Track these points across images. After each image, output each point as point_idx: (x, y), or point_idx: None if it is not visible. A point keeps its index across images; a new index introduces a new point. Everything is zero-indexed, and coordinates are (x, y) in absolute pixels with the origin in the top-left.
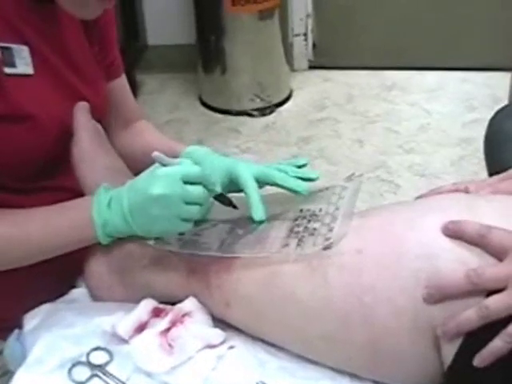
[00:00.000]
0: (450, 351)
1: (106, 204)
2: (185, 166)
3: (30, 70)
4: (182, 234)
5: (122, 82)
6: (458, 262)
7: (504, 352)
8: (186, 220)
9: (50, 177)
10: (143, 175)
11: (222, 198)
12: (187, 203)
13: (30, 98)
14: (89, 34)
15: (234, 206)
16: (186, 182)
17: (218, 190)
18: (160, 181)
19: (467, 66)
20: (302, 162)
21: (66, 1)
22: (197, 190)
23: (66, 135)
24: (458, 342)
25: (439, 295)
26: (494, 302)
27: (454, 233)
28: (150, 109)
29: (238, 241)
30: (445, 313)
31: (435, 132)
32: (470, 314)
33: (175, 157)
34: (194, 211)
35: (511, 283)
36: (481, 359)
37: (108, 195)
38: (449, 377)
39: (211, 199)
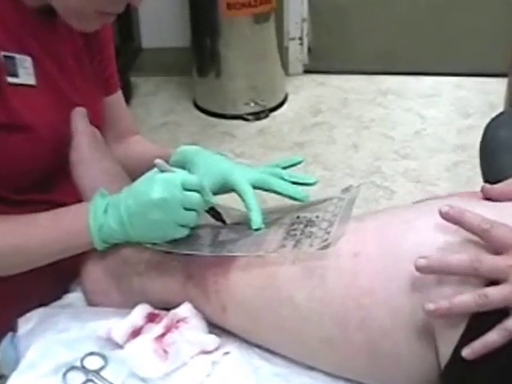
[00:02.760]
0: (446, 351)
1: (103, 210)
2: (183, 173)
3: (32, 81)
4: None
5: (118, 97)
6: None
7: (497, 346)
8: (183, 226)
9: (46, 190)
10: (141, 181)
11: (213, 212)
12: (185, 209)
13: (30, 109)
14: (88, 49)
15: (224, 222)
16: (184, 189)
17: (213, 201)
18: (160, 185)
19: (463, 72)
20: (297, 160)
21: (67, 14)
22: (195, 196)
23: (63, 147)
24: (454, 343)
25: (437, 267)
26: (494, 291)
27: (454, 219)
28: (144, 112)
29: (235, 243)
30: None
31: (430, 138)
32: (466, 297)
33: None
34: (192, 217)
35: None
36: (472, 350)
37: (105, 201)
38: (445, 377)
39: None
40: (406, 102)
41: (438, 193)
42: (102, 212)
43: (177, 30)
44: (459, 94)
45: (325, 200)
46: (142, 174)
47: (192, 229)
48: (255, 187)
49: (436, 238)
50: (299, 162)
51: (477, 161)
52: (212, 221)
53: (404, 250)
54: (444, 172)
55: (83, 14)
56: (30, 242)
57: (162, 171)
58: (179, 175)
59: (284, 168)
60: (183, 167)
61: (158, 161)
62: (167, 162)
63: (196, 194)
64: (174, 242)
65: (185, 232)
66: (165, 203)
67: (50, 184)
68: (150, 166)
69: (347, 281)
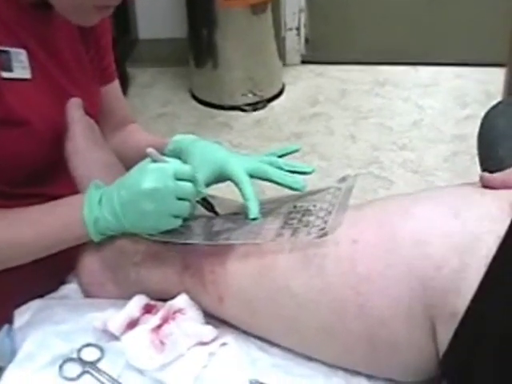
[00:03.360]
0: (444, 339)
1: (97, 201)
2: (176, 163)
3: (27, 74)
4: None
5: (115, 86)
6: (450, 249)
7: None
8: (176, 216)
9: (44, 184)
10: (133, 171)
11: (205, 203)
12: (178, 199)
13: (25, 103)
14: (85, 39)
15: (216, 213)
16: (176, 179)
17: (205, 191)
18: (152, 175)
19: (461, 62)
20: (293, 148)
21: (65, 9)
22: (188, 186)
23: (59, 141)
24: (452, 330)
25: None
26: None
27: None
28: (141, 103)
29: (231, 232)
30: (439, 302)
31: (428, 128)
32: None
33: (163, 153)
34: (185, 207)
35: None
36: None
37: (99, 192)
38: (444, 364)
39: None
40: (404, 92)
41: (437, 183)
42: (97, 203)
43: (173, 21)
44: (457, 84)
45: (322, 190)
46: (137, 163)
47: (187, 220)
48: (252, 176)
49: (434, 226)
50: (296, 151)
51: (475, 151)
52: (207, 213)
53: (402, 238)
54: (442, 162)
55: (81, 9)
56: (25, 234)
57: (155, 161)
58: (172, 165)
59: (280, 156)
60: (179, 156)
61: (150, 150)
62: (162, 151)
63: (189, 184)
64: (170, 232)
65: (178, 222)
66: (157, 193)
67: (47, 177)
68: (144, 156)
69: (345, 268)
